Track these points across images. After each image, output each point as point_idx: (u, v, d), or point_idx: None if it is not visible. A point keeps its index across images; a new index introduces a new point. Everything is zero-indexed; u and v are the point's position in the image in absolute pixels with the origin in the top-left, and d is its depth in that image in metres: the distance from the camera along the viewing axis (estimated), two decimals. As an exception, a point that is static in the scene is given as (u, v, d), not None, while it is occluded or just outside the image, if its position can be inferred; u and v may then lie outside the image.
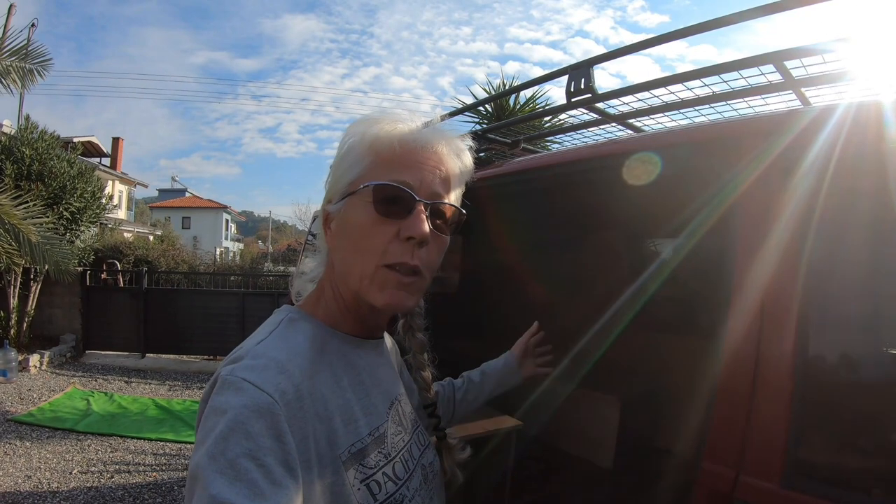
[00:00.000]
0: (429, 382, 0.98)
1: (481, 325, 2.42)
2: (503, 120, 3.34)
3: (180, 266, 10.83)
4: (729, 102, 1.53)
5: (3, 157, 7.54)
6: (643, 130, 1.84)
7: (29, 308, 7.82)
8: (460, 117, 3.72)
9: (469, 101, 5.60)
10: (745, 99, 1.52)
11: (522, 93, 5.16)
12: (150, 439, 4.95)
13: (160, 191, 48.05)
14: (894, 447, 0.92)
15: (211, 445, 0.55)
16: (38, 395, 6.10)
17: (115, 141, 25.13)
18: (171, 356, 8.39)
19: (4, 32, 6.37)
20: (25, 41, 6.62)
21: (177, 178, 50.99)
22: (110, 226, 13.97)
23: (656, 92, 1.51)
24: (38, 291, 7.96)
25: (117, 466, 4.32)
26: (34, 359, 7.25)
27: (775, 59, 1.20)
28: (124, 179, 24.90)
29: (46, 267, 6.52)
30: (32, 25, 11.18)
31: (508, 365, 1.29)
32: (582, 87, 1.50)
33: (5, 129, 10.91)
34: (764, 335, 0.95)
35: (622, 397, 1.95)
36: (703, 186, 1.20)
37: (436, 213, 0.73)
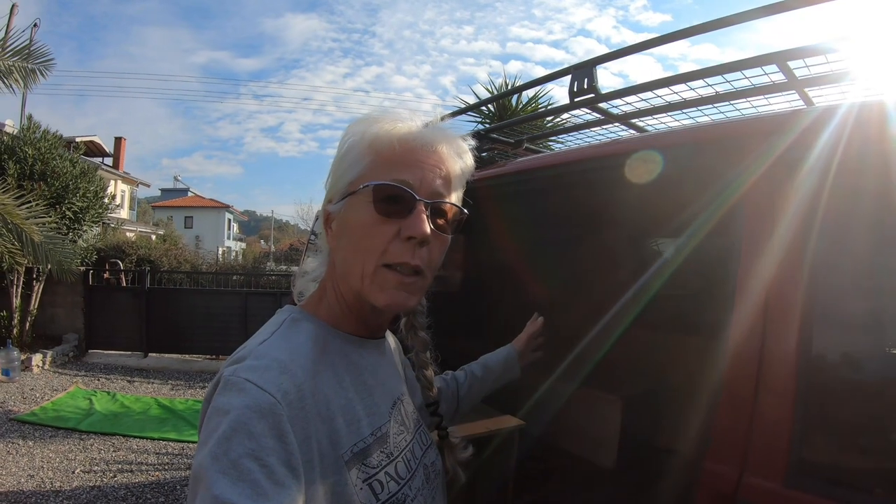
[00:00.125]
0: (431, 381, 0.98)
1: (484, 324, 2.42)
2: (506, 120, 3.34)
3: (183, 266, 10.85)
4: (732, 102, 1.53)
5: (5, 156, 7.55)
6: (646, 130, 1.84)
7: (32, 307, 7.83)
8: (463, 117, 3.73)
9: (471, 100, 5.60)
10: (749, 99, 1.52)
11: (525, 92, 5.15)
12: (152, 439, 4.95)
13: (162, 190, 48.12)
14: (898, 447, 0.92)
15: (214, 446, 0.56)
16: (40, 395, 6.11)
17: (118, 140, 25.18)
18: (174, 356, 8.38)
19: (7, 32, 6.35)
20: (28, 41, 6.63)
21: (179, 178, 51.24)
22: (113, 225, 14.02)
23: (659, 92, 1.51)
24: (40, 291, 7.96)
25: (120, 466, 4.33)
26: (37, 358, 7.26)
27: (778, 59, 1.20)
28: (126, 179, 24.95)
29: (49, 266, 6.52)
30: (35, 25, 11.21)
31: (510, 358, 1.30)
32: (585, 86, 1.50)
33: (8, 129, 10.94)
34: (767, 335, 0.95)
35: (624, 397, 1.94)
36: (706, 187, 1.20)
37: (437, 212, 0.73)
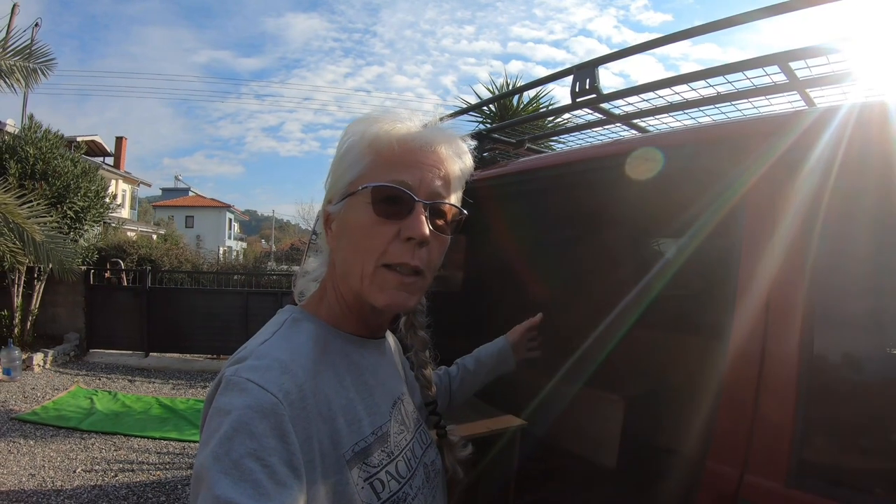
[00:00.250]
0: (430, 380, 0.98)
1: (484, 323, 2.42)
2: (507, 120, 3.34)
3: (184, 265, 10.85)
4: (733, 103, 1.53)
5: (7, 156, 7.56)
6: (648, 131, 1.84)
7: (33, 307, 7.83)
8: (464, 117, 3.73)
9: (472, 100, 5.60)
10: (750, 99, 1.52)
11: (526, 92, 5.15)
12: (153, 438, 4.95)
13: (163, 190, 48.13)
14: (899, 447, 0.92)
15: (215, 446, 0.56)
16: (41, 394, 6.11)
17: (119, 140, 25.16)
18: (175, 355, 8.39)
19: (8, 32, 6.35)
20: (29, 41, 6.63)
21: (180, 177, 51.20)
22: (114, 225, 14.03)
23: (661, 92, 1.52)
24: (41, 290, 7.97)
25: (121, 465, 4.33)
26: (38, 357, 7.26)
27: (780, 59, 1.20)
28: (127, 178, 24.96)
29: (50, 266, 6.53)
30: (36, 25, 11.20)
31: (503, 350, 1.28)
32: (587, 87, 1.50)
33: (9, 129, 10.94)
34: (768, 335, 0.95)
35: (626, 397, 1.95)
36: (707, 187, 1.20)
37: (436, 213, 0.73)
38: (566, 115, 2.38)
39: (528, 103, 5.27)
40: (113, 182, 19.16)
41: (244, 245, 46.44)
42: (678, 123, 1.77)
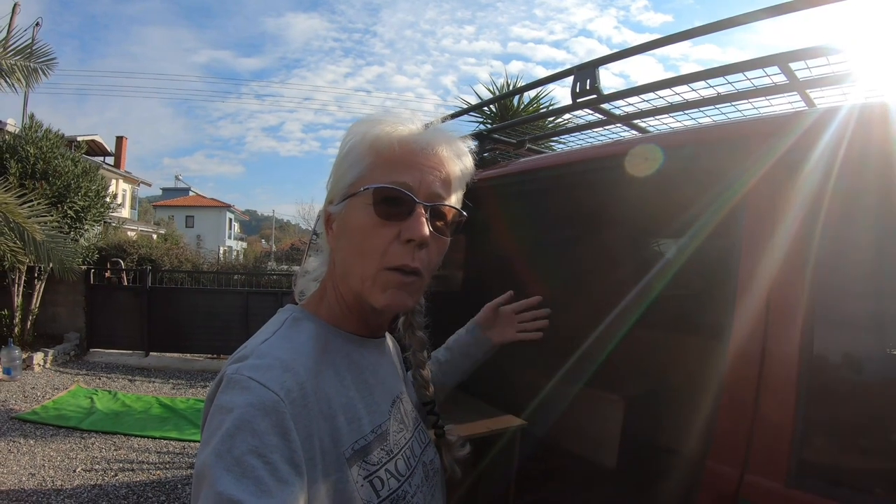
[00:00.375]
0: (428, 380, 0.98)
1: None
2: (508, 120, 3.34)
3: (184, 265, 10.84)
4: (734, 103, 1.54)
5: (7, 155, 7.56)
6: (648, 131, 1.84)
7: (33, 306, 7.84)
8: (465, 117, 3.74)
9: (473, 100, 5.61)
10: (750, 100, 1.52)
11: (526, 93, 5.16)
12: (153, 437, 4.96)
13: (164, 189, 48.16)
14: (899, 447, 0.92)
15: (217, 443, 0.56)
16: (41, 394, 6.12)
17: (119, 140, 25.17)
18: (175, 355, 8.39)
19: (9, 31, 6.34)
20: (30, 40, 6.63)
21: (180, 177, 51.27)
22: (114, 224, 14.03)
23: (661, 93, 1.52)
24: (42, 290, 7.97)
25: (121, 464, 4.33)
26: (38, 357, 7.27)
27: (780, 60, 1.20)
28: (128, 178, 24.96)
29: (51, 265, 6.53)
30: (37, 24, 11.22)
31: (474, 335, 1.22)
32: (587, 87, 1.50)
33: (9, 128, 10.95)
34: (769, 335, 0.95)
35: (626, 397, 1.94)
36: (707, 187, 1.20)
37: (436, 214, 0.73)
38: (566, 116, 2.39)
39: (528, 104, 5.28)
40: (113, 182, 19.16)
41: (244, 245, 46.45)
42: (678, 124, 1.77)
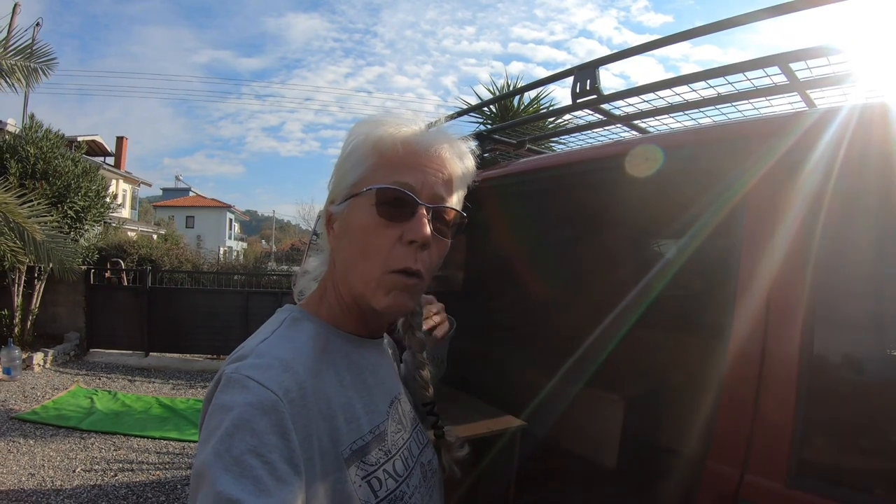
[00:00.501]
0: (427, 381, 0.98)
1: (486, 324, 2.43)
2: (508, 121, 3.34)
3: (184, 265, 10.85)
4: (734, 104, 1.54)
5: (7, 155, 7.55)
6: (648, 132, 1.84)
7: (33, 306, 7.83)
8: (465, 118, 3.74)
9: (473, 101, 5.61)
10: (750, 101, 1.52)
11: (527, 93, 5.16)
12: (153, 438, 4.95)
13: (164, 190, 48.17)
14: (899, 448, 0.92)
15: (216, 442, 0.56)
16: (41, 394, 6.11)
17: (119, 140, 25.18)
18: (175, 355, 8.38)
19: (9, 32, 6.34)
20: (30, 40, 6.63)
21: (180, 177, 51.37)
22: (114, 225, 14.03)
23: (661, 93, 1.52)
24: (42, 290, 7.97)
25: (121, 465, 4.33)
26: (38, 357, 7.26)
27: (780, 60, 1.20)
28: (128, 178, 24.98)
29: (51, 265, 6.53)
30: (37, 24, 11.21)
31: None
32: (587, 88, 1.50)
33: (10, 128, 10.95)
34: (769, 335, 0.95)
35: (626, 397, 1.95)
36: (707, 188, 1.20)
37: (437, 216, 0.74)
38: (567, 116, 2.39)
39: (528, 104, 5.28)
40: (113, 182, 19.17)
41: (244, 245, 46.44)
42: (678, 124, 1.77)
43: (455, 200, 0.77)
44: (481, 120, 5.13)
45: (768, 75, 1.33)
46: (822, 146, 0.97)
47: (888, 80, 1.23)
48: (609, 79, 1.57)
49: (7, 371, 6.53)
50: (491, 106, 5.09)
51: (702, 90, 1.48)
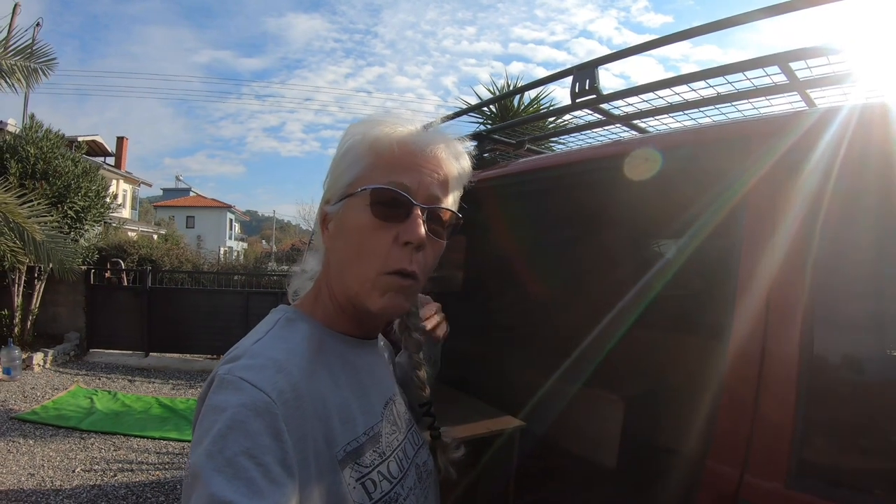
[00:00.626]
0: (424, 382, 0.98)
1: (485, 324, 2.42)
2: (507, 120, 3.34)
3: (184, 265, 10.86)
4: (733, 103, 1.54)
5: (7, 155, 7.57)
6: (647, 131, 1.84)
7: (33, 306, 7.84)
8: (465, 118, 3.74)
9: (473, 101, 5.61)
10: (750, 100, 1.52)
11: (526, 93, 5.16)
12: (153, 438, 4.96)
13: (164, 190, 48.20)
14: (899, 448, 0.92)
15: (209, 444, 0.56)
16: (41, 394, 6.12)
17: (119, 140, 25.19)
18: (175, 355, 8.40)
19: (9, 32, 6.34)
20: (31, 40, 6.64)
21: (181, 178, 51.32)
22: (114, 225, 14.05)
23: (661, 93, 1.52)
24: (42, 290, 7.98)
25: (120, 465, 4.33)
26: (38, 357, 7.27)
27: (780, 60, 1.20)
28: (128, 178, 24.99)
29: (51, 265, 6.54)
30: (37, 24, 11.21)
31: None
32: (587, 87, 1.50)
33: (10, 128, 10.96)
34: (769, 335, 0.95)
35: (626, 396, 1.94)
36: (707, 188, 1.20)
37: (433, 217, 0.73)
38: (566, 116, 2.39)
39: (528, 104, 5.28)
40: (114, 182, 19.19)
41: (245, 245, 46.47)
42: (678, 124, 1.77)
43: (451, 201, 0.77)
44: (481, 120, 5.13)
45: (768, 75, 1.32)
46: (822, 146, 0.96)
47: (888, 80, 1.23)
48: (609, 79, 1.57)
49: (7, 371, 6.54)
50: (491, 106, 5.09)
51: (701, 90, 1.48)
